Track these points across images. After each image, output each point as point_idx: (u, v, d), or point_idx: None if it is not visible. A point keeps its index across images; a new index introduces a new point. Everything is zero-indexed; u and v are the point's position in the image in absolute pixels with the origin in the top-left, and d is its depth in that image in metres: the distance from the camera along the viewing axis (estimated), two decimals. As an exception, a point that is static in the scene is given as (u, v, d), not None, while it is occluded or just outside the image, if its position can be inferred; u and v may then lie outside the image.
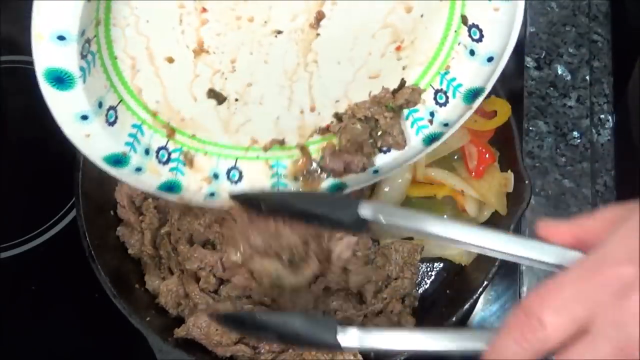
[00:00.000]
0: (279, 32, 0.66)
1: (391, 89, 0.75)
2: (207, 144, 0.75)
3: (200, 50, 0.66)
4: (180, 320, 0.86)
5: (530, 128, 1.09)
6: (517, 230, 0.95)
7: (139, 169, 0.71)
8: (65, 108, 0.62)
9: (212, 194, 0.76)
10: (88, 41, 0.59)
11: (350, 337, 0.52)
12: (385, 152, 0.77)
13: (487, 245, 0.53)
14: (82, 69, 0.59)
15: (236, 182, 0.76)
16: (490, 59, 0.70)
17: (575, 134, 1.08)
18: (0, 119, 1.12)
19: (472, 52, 0.71)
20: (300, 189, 0.77)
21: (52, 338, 0.94)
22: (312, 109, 0.75)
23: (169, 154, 0.73)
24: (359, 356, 0.83)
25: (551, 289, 0.45)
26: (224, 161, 0.76)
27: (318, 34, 0.67)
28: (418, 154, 0.76)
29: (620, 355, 0.42)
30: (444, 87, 0.74)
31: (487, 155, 0.94)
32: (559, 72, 1.13)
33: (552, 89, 1.12)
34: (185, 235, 0.89)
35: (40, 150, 1.09)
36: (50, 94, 0.60)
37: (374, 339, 0.52)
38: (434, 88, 0.75)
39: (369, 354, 0.85)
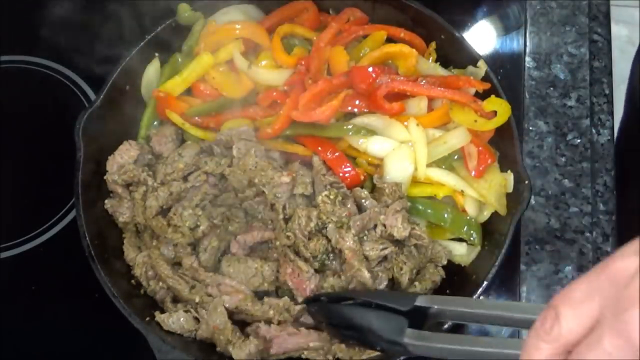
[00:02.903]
0: None
1: None
2: None
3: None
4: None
5: (530, 128, 1.09)
6: (517, 230, 0.95)
7: None
8: None
9: None
10: None
11: (415, 339, 0.61)
12: None
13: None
14: None
15: None
16: None
17: (575, 133, 1.08)
18: (0, 119, 1.12)
19: None
20: None
21: (52, 338, 0.95)
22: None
23: None
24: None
25: (570, 287, 0.47)
26: None
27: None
28: None
29: (624, 345, 0.43)
30: None
31: (487, 155, 0.94)
32: (559, 72, 1.13)
33: (552, 89, 1.12)
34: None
35: (40, 150, 1.09)
36: None
37: (435, 343, 0.60)
38: None
39: None
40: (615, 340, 0.44)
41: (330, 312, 0.72)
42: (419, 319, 0.64)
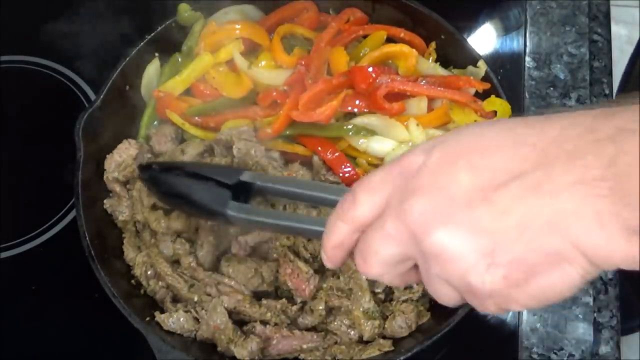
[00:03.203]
0: None
1: None
2: None
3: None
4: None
5: (530, 128, 1.08)
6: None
7: None
8: None
9: None
10: None
11: (236, 210, 0.67)
12: None
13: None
14: None
15: None
16: None
17: (575, 134, 1.08)
18: (0, 119, 1.12)
19: None
20: None
21: (52, 338, 0.94)
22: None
23: None
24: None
25: (369, 175, 0.53)
26: None
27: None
28: None
29: (402, 228, 0.49)
30: None
31: (487, 155, 0.94)
32: (559, 72, 1.13)
33: (552, 89, 1.12)
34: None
35: (40, 150, 1.09)
36: None
37: (253, 215, 0.67)
38: None
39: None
40: (395, 224, 0.49)
41: (159, 181, 0.78)
42: (245, 193, 0.69)
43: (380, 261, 0.52)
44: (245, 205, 0.67)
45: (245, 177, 0.68)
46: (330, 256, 0.56)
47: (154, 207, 0.91)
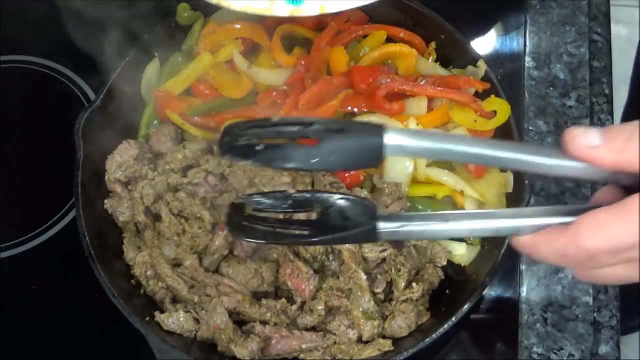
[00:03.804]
0: None
1: None
2: None
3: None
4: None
5: (530, 128, 1.09)
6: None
7: None
8: None
9: None
10: None
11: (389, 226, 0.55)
12: None
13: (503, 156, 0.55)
14: None
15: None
16: None
17: (575, 134, 1.08)
18: (0, 119, 1.12)
19: None
20: None
21: (52, 338, 0.95)
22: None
23: None
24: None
25: (604, 234, 0.52)
26: None
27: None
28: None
29: None
30: None
31: (487, 155, 0.94)
32: (559, 72, 1.13)
33: (552, 89, 1.12)
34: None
35: (40, 150, 1.09)
36: None
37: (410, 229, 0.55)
38: None
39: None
40: None
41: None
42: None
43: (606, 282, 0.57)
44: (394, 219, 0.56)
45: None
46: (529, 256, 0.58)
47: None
